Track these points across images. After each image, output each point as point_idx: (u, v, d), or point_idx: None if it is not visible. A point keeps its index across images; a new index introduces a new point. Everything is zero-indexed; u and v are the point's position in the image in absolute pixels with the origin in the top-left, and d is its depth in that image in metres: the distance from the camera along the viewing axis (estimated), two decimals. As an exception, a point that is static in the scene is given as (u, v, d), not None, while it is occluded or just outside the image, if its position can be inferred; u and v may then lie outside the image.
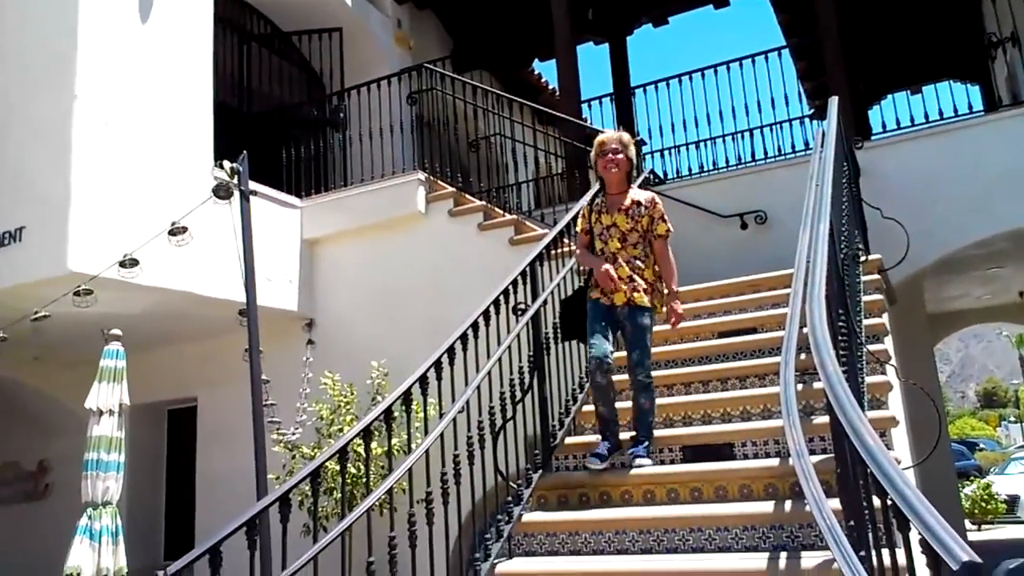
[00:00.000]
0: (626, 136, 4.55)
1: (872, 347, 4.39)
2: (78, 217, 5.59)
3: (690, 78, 8.26)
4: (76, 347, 7.02)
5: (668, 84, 8.41)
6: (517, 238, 6.78)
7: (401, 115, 8.01)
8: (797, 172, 6.21)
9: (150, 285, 5.95)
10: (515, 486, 4.24)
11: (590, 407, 4.64)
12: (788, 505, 3.65)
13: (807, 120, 8.94)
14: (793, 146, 8.46)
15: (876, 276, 5.51)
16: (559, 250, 5.17)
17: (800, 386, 4.16)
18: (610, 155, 4.41)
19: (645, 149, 7.43)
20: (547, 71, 12.44)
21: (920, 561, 1.80)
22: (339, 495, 4.40)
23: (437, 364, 3.97)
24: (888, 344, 4.81)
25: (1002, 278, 9.47)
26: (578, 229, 4.63)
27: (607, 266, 4.26)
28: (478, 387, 4.07)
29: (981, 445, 30.58)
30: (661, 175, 8.57)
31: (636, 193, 4.50)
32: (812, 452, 3.54)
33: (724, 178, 7.87)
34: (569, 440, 4.70)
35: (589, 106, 9.16)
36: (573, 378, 5.00)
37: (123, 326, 5.91)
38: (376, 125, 7.92)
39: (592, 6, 10.22)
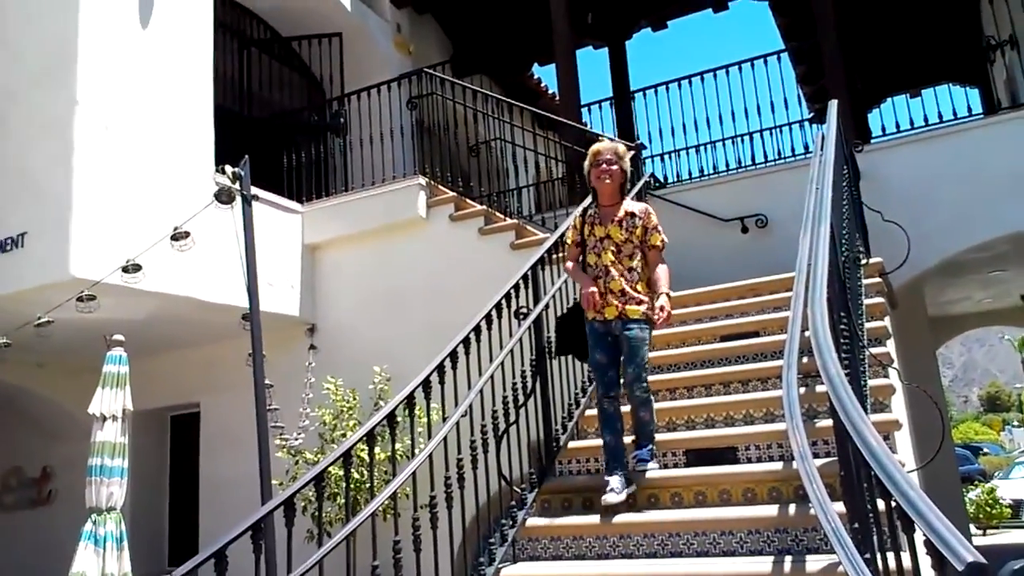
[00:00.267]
0: (621, 147, 4.45)
1: (874, 350, 4.39)
2: (80, 222, 5.60)
3: (689, 82, 8.29)
4: (79, 353, 7.03)
5: (668, 88, 8.44)
6: (518, 242, 6.79)
7: (401, 120, 8.03)
8: (797, 176, 6.22)
9: (152, 290, 5.96)
10: (519, 490, 4.24)
11: (593, 411, 4.64)
12: (792, 508, 3.65)
13: (807, 124, 8.95)
14: (793, 150, 8.49)
15: (877, 279, 5.52)
16: (560, 254, 5.17)
17: (803, 389, 4.16)
18: (604, 165, 4.30)
19: (645, 153, 7.44)
20: (547, 76, 12.50)
21: (925, 563, 1.80)
22: (343, 500, 4.41)
23: (440, 368, 3.98)
24: (890, 347, 4.81)
25: (1003, 281, 9.47)
26: (568, 241, 4.50)
27: (592, 288, 4.18)
28: (481, 391, 4.07)
29: (985, 449, 30.55)
30: (661, 179, 8.59)
31: (630, 204, 4.40)
32: (815, 455, 3.54)
33: (724, 182, 7.88)
34: (572, 444, 4.70)
35: (589, 110, 9.19)
36: (576, 382, 5.01)
37: (126, 332, 5.92)
38: (376, 130, 7.94)
39: (591, 10, 10.24)
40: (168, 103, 6.45)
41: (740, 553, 3.61)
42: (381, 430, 3.71)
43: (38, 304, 5.78)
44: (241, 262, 5.16)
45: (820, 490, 2.45)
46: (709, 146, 8.74)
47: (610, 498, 3.92)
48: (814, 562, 3.30)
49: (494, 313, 4.41)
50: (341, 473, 4.05)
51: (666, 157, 9.03)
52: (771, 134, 8.57)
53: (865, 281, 5.18)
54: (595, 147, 4.43)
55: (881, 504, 2.27)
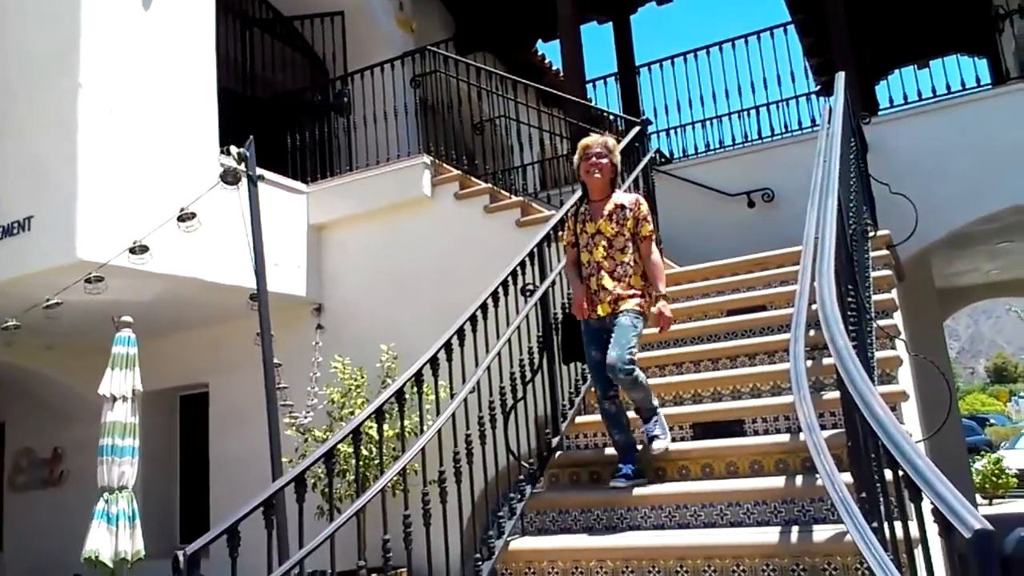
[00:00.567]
0: (611, 141, 4.36)
1: (881, 322, 4.39)
2: (86, 205, 5.61)
3: (695, 56, 8.22)
4: (88, 335, 7.08)
5: (673, 63, 8.36)
6: (524, 220, 6.77)
7: (405, 98, 7.99)
8: (804, 149, 6.19)
9: (159, 272, 5.98)
10: (527, 465, 4.27)
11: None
12: (799, 480, 3.67)
13: (814, 96, 8.84)
14: (800, 123, 8.40)
15: (885, 252, 5.51)
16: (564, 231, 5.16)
17: (810, 362, 4.17)
18: (593, 159, 4.23)
19: (651, 128, 7.39)
20: (551, 52, 12.37)
21: (932, 531, 1.81)
22: (352, 477, 4.43)
23: (447, 346, 3.99)
24: (897, 319, 4.81)
25: (1011, 252, 9.43)
26: (564, 243, 4.48)
27: (581, 298, 4.21)
28: (488, 368, 4.09)
29: (991, 420, 30.61)
30: (667, 154, 8.54)
31: (619, 196, 4.32)
32: (822, 427, 3.55)
33: (730, 156, 7.85)
34: (579, 419, 4.72)
35: (594, 86, 9.11)
36: (583, 358, 5.01)
37: (134, 313, 5.95)
38: (380, 109, 7.90)
39: (595, -15, 10.14)
40: (172, 85, 6.44)
41: (747, 524, 3.64)
42: (389, 407, 3.74)
43: (46, 287, 5.81)
44: (247, 243, 5.17)
45: (828, 461, 2.45)
46: (715, 120, 8.66)
47: (618, 483, 3.97)
48: (821, 531, 3.33)
49: (500, 290, 4.41)
50: (351, 450, 4.08)
51: (672, 132, 8.96)
52: (778, 107, 8.50)
53: (872, 253, 5.16)
54: (584, 141, 4.35)
55: (888, 474, 2.28)
